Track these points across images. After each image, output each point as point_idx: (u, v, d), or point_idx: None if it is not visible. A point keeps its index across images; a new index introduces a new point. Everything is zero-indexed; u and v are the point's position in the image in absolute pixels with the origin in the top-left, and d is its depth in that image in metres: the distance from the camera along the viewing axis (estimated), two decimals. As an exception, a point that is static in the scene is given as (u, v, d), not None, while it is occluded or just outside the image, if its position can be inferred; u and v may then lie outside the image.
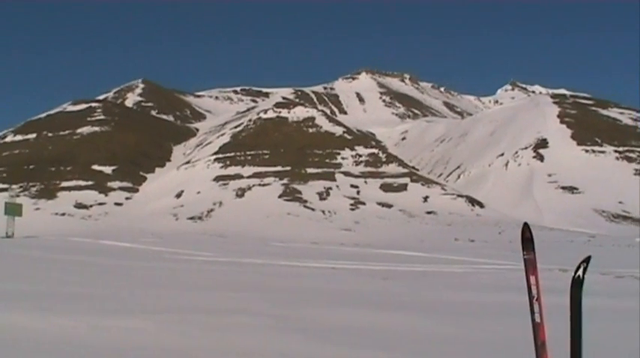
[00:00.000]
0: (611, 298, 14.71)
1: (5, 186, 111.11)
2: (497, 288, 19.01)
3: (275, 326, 10.35)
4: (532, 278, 5.13)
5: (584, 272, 4.92)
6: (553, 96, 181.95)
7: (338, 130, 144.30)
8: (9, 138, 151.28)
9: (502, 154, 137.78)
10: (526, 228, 5.20)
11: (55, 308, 11.09)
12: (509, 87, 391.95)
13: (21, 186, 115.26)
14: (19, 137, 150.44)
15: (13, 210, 55.62)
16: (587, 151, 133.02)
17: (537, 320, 5.14)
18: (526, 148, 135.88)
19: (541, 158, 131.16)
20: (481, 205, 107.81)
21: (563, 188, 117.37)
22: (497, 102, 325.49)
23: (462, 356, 8.95)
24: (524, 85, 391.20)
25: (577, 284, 4.92)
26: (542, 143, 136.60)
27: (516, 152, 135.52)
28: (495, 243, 62.38)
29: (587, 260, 4.97)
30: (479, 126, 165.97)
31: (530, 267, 5.15)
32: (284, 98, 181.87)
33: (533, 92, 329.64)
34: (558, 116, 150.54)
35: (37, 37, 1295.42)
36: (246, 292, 16.00)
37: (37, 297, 12.78)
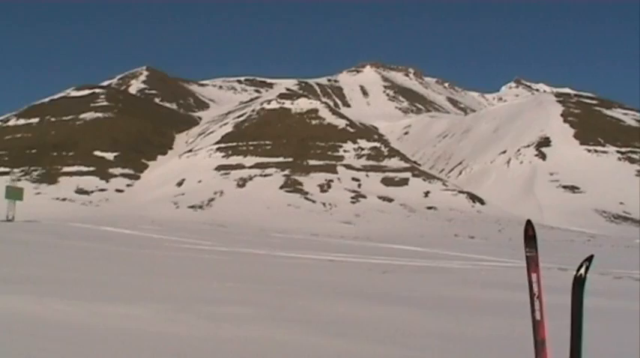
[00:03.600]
0: (609, 299, 14.67)
1: (7, 169, 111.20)
2: (497, 285, 18.95)
3: (272, 317, 10.31)
4: (534, 276, 5.08)
5: (586, 271, 4.87)
6: (557, 94, 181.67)
7: (341, 123, 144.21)
8: (12, 122, 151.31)
9: (504, 152, 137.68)
10: (529, 226, 5.14)
11: (52, 293, 11.07)
12: (513, 84, 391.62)
13: (22, 171, 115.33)
14: (22, 121, 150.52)
15: (14, 194, 55.81)
16: (589, 151, 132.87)
17: (538, 317, 5.09)
18: (528, 146, 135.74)
19: (543, 156, 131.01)
20: (482, 202, 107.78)
21: (565, 187, 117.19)
22: (501, 99, 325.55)
23: (459, 352, 8.91)
24: (528, 83, 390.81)
25: (579, 283, 4.87)
26: (545, 141, 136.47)
27: (519, 150, 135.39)
28: (495, 240, 62.46)
29: (589, 259, 4.91)
30: (482, 123, 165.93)
31: (532, 264, 5.09)
32: (288, 89, 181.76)
33: (538, 90, 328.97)
34: (562, 115, 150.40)
35: (44, 22, 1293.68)
36: (244, 282, 15.98)
37: (35, 282, 12.76)
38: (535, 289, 5.08)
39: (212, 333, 8.92)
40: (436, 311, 12.41)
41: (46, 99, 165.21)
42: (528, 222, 5.16)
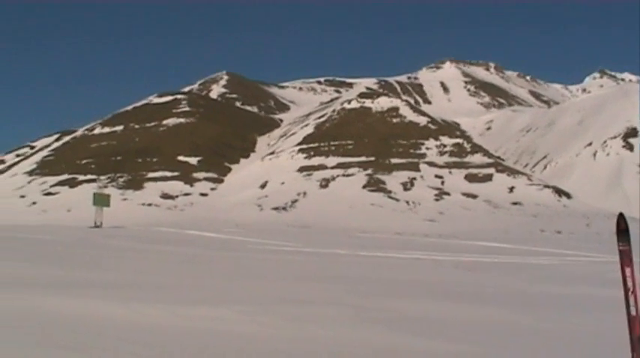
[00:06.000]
0: None
1: (94, 177, 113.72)
2: (585, 281, 18.59)
3: (356, 317, 10.25)
4: (627, 270, 4.90)
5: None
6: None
7: (422, 120, 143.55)
8: (97, 130, 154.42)
9: (590, 144, 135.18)
10: (621, 219, 4.96)
11: (139, 297, 11.19)
12: (597, 75, 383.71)
13: (109, 178, 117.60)
14: (106, 129, 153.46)
15: (101, 200, 57.06)
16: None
17: (633, 313, 4.90)
18: (615, 138, 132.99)
19: (631, 147, 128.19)
20: (568, 196, 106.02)
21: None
22: (585, 90, 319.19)
23: (545, 350, 8.71)
24: (613, 73, 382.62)
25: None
26: (632, 132, 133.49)
27: (605, 141, 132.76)
28: (583, 235, 61.43)
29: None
30: (566, 116, 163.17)
31: (626, 258, 4.91)
32: (368, 88, 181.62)
33: (623, 80, 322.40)
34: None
35: (125, 31, 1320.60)
36: (328, 283, 15.95)
37: (123, 287, 12.92)
38: (629, 284, 4.89)
39: (297, 334, 8.90)
40: (522, 309, 12.20)
41: (130, 107, 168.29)
42: (620, 216, 4.98)
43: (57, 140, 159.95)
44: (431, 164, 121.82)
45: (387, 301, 12.61)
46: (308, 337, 8.75)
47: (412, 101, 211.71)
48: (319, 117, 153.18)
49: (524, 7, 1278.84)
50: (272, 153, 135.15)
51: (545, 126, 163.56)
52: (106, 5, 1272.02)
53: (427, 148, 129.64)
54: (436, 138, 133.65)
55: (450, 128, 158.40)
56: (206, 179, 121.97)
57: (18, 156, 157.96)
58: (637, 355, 4.85)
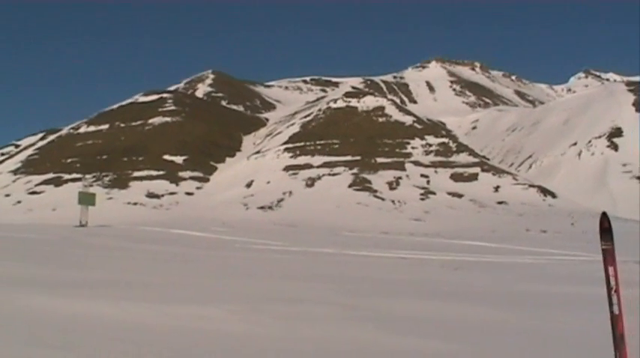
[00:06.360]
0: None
1: (79, 176, 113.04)
2: (571, 280, 18.69)
3: (344, 316, 10.31)
4: (610, 269, 4.96)
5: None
6: (628, 83, 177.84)
7: (408, 120, 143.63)
8: (82, 129, 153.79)
9: (575, 143, 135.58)
10: (604, 218, 5.02)
11: (126, 296, 11.21)
12: (582, 75, 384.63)
13: (94, 176, 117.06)
14: (92, 128, 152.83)
15: (86, 199, 56.81)
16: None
17: (616, 311, 4.96)
18: (600, 137, 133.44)
19: (615, 147, 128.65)
20: (553, 195, 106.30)
21: (639, 178, 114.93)
22: (570, 90, 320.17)
23: (532, 348, 8.79)
24: (598, 73, 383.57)
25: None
26: (617, 132, 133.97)
27: (590, 141, 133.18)
28: (568, 234, 61.60)
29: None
30: (551, 115, 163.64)
31: (609, 257, 4.98)
32: (353, 87, 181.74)
33: (608, 80, 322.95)
34: (633, 104, 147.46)
35: (111, 30, 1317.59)
36: (315, 282, 16.00)
37: (110, 285, 12.94)
38: (612, 283, 4.96)
39: (286, 332, 8.96)
40: (508, 307, 12.28)
41: (115, 106, 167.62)
42: (603, 214, 5.05)
43: (42, 139, 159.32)
44: (416, 163, 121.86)
45: (375, 300, 12.68)
46: (296, 336, 8.80)
47: (398, 100, 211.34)
48: (305, 117, 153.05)
49: (509, 7, 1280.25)
50: (258, 152, 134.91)
51: (531, 126, 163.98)
52: (92, 3, 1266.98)
53: (413, 148, 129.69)
54: (422, 138, 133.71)
55: (435, 127, 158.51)
56: (192, 178, 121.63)
57: (2, 154, 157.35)
58: (619, 352, 4.92)
